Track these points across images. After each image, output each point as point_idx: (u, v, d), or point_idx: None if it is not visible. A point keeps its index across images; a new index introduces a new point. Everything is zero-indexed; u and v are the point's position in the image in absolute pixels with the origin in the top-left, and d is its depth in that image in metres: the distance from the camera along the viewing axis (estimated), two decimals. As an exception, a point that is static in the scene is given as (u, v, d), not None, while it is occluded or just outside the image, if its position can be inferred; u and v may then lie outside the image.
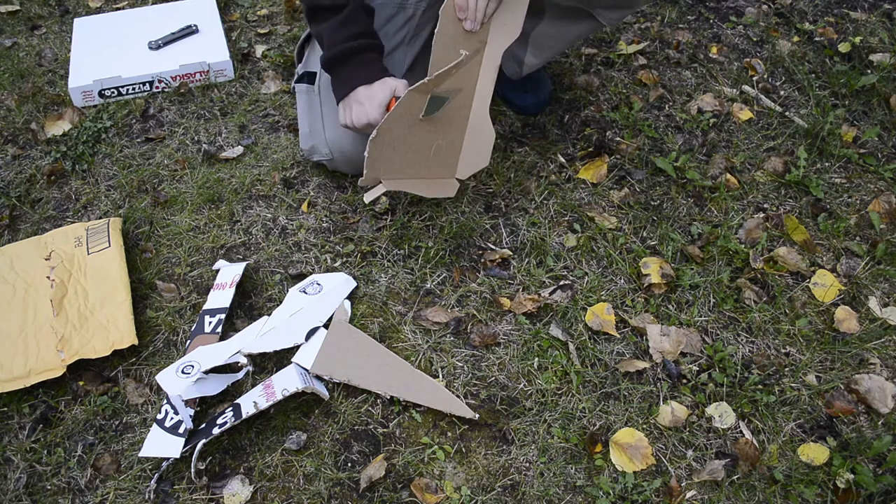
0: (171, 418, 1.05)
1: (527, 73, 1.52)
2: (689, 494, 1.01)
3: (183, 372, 1.09)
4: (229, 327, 1.21)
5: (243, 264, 1.27)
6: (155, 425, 1.05)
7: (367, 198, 1.22)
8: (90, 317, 1.17)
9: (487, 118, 1.31)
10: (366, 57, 1.22)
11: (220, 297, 1.22)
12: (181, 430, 1.04)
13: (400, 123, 1.19)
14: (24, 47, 1.88)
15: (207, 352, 1.13)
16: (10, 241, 1.36)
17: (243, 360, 1.12)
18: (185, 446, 1.02)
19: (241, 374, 1.13)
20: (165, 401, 1.08)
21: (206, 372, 1.10)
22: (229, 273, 1.25)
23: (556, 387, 1.12)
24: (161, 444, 1.03)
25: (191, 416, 1.05)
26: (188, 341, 1.17)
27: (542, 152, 1.52)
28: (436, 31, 1.20)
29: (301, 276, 1.28)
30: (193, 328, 1.19)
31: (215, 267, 1.29)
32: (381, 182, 1.22)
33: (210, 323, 1.18)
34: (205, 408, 1.11)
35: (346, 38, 1.20)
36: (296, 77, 1.43)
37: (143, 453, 1.02)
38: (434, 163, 1.30)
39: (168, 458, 1.02)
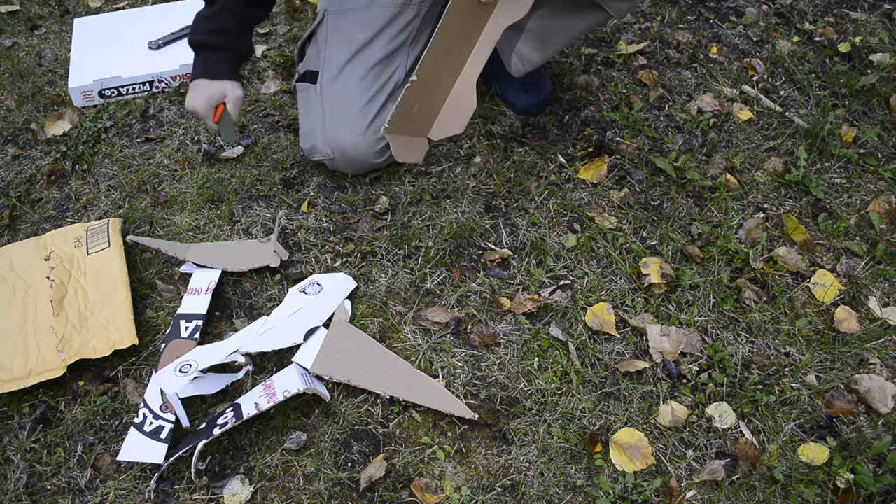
0: (151, 423, 1.05)
1: (529, 70, 1.50)
2: (689, 494, 1.01)
3: (180, 371, 1.09)
4: (229, 327, 1.21)
5: (218, 271, 1.25)
6: (133, 429, 1.05)
7: (404, 159, 1.31)
8: (90, 317, 1.17)
9: (473, 88, 1.30)
10: (216, 55, 1.29)
11: (196, 302, 1.21)
12: (163, 436, 1.03)
13: (435, 68, 1.21)
14: (24, 47, 1.88)
15: (205, 351, 1.12)
16: (10, 241, 1.36)
17: (241, 360, 1.12)
18: (185, 447, 1.02)
19: (240, 374, 1.13)
20: (142, 404, 1.08)
21: (205, 371, 1.10)
22: (204, 278, 1.24)
23: (556, 387, 1.12)
24: (141, 449, 1.02)
25: (185, 415, 1.05)
26: (163, 345, 1.16)
27: (542, 152, 1.52)
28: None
29: (301, 277, 1.28)
30: (168, 332, 1.18)
31: (183, 269, 1.28)
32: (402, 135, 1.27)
33: (187, 328, 1.17)
34: (205, 408, 1.11)
35: (205, 31, 1.28)
36: (297, 76, 1.43)
37: (121, 457, 1.02)
38: (415, 120, 1.32)
39: (157, 464, 1.02)
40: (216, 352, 1.12)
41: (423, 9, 1.36)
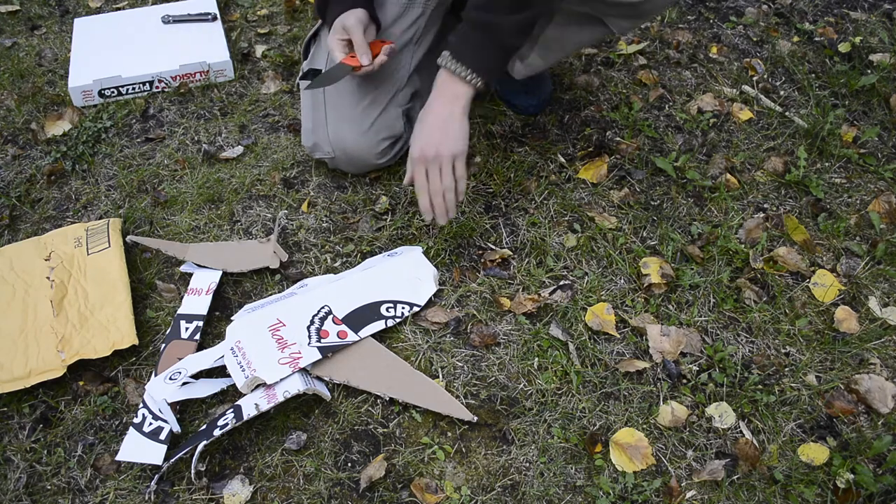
0: (150, 424, 1.05)
1: (530, 74, 1.49)
2: (689, 494, 1.01)
3: (170, 378, 1.09)
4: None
5: (219, 272, 1.26)
6: (132, 429, 1.04)
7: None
8: (90, 317, 1.17)
9: None
10: None
11: (196, 303, 1.20)
12: (162, 437, 1.03)
13: None
14: (24, 47, 1.88)
15: (196, 358, 1.12)
16: (10, 241, 1.36)
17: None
18: (185, 448, 1.02)
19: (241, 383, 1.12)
20: (142, 404, 1.08)
21: (196, 377, 1.10)
22: (204, 279, 1.24)
23: (556, 387, 1.12)
24: (140, 450, 1.02)
25: (177, 419, 1.06)
26: (163, 346, 1.16)
27: (542, 152, 1.52)
28: None
29: (301, 276, 1.28)
30: (168, 332, 1.18)
31: (183, 269, 1.28)
32: None
33: (187, 329, 1.17)
34: (205, 409, 1.11)
35: None
36: (301, 74, 1.43)
37: (120, 457, 1.02)
38: None
39: (157, 465, 1.02)
40: (205, 358, 1.12)
41: (428, 8, 1.36)
